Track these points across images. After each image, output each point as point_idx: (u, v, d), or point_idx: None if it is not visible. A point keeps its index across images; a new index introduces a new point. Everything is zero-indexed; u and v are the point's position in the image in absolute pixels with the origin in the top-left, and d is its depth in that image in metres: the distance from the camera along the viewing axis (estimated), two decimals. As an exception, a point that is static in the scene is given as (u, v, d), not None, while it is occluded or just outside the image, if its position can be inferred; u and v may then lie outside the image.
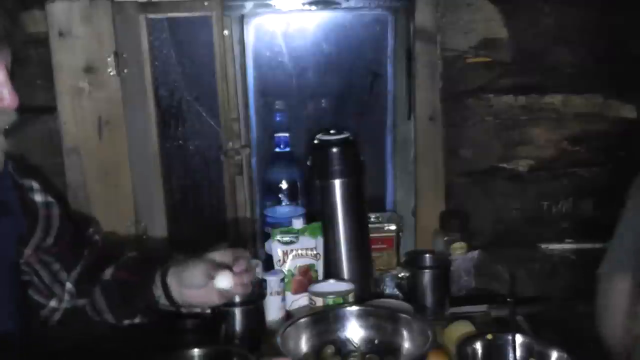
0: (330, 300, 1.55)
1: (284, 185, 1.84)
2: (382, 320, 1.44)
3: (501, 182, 2.03)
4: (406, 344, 1.40)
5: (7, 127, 1.04)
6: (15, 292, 1.25)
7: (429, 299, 1.70)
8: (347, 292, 1.58)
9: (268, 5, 1.93)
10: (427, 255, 1.80)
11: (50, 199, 1.32)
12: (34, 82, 1.82)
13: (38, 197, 1.30)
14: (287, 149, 1.85)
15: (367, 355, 1.39)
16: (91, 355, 1.42)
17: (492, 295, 1.78)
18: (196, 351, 1.30)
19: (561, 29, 1.94)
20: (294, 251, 1.68)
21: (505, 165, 2.03)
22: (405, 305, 1.62)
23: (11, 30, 1.01)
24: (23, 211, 1.26)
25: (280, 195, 1.84)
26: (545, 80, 1.98)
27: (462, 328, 1.49)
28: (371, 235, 1.81)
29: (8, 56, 1.03)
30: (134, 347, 1.38)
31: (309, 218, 1.74)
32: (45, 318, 1.35)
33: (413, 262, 1.78)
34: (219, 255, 1.32)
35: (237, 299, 1.56)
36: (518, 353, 1.32)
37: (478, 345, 1.34)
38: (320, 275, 1.70)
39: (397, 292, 1.76)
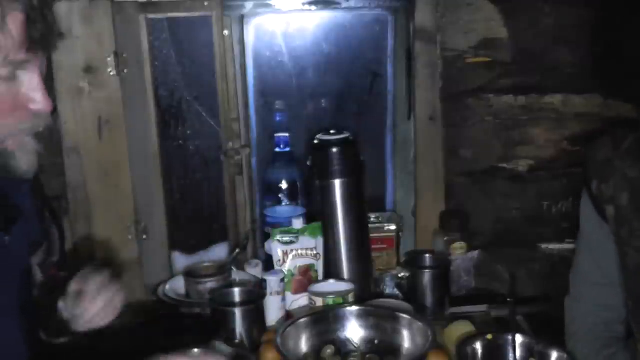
0: (330, 300, 1.55)
1: (284, 185, 1.84)
2: (382, 320, 1.44)
3: (501, 182, 2.03)
4: (406, 344, 1.40)
5: (40, 129, 1.05)
6: (25, 297, 1.25)
7: (429, 299, 1.70)
8: (347, 292, 1.58)
9: (268, 5, 1.93)
10: (427, 255, 1.80)
11: (49, 218, 1.32)
12: (34, 82, 1.81)
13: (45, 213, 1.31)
14: (287, 149, 1.85)
15: (367, 355, 1.39)
16: (90, 355, 1.42)
17: (492, 295, 1.78)
18: (196, 351, 1.29)
19: (561, 29, 1.94)
20: (294, 251, 1.68)
21: (505, 165, 2.02)
22: (405, 305, 1.62)
23: (47, 34, 0.99)
24: (38, 219, 1.26)
25: (280, 195, 1.84)
26: (545, 80, 1.97)
27: (462, 328, 1.50)
28: (371, 235, 1.81)
29: (44, 61, 1.03)
30: (134, 347, 1.37)
31: (309, 218, 1.74)
32: None
33: (413, 262, 1.78)
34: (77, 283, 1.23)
35: (238, 299, 1.56)
36: (518, 353, 1.32)
37: (478, 345, 1.34)
38: (320, 275, 1.70)
39: (397, 292, 1.76)
